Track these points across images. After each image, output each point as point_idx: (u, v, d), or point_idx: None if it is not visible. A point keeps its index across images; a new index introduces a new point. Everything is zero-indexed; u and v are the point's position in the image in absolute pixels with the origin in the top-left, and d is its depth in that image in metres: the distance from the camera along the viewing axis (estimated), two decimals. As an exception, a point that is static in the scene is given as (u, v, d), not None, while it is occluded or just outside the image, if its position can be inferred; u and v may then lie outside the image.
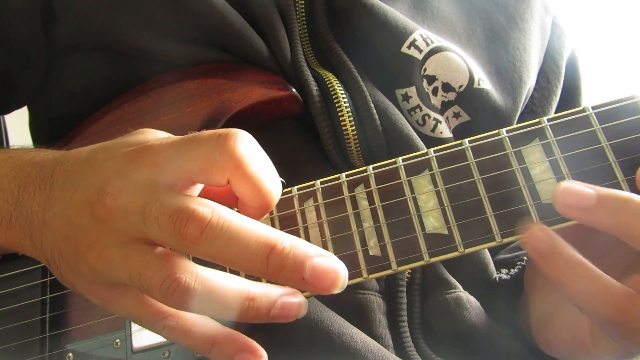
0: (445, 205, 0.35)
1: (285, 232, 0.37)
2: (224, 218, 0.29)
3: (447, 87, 0.50)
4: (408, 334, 0.47)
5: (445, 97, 0.50)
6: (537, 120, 0.35)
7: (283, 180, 0.34)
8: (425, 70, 0.50)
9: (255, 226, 0.30)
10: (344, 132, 0.47)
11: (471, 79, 0.50)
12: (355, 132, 0.47)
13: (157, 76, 0.50)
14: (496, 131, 0.36)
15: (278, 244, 0.29)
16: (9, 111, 0.61)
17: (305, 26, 0.51)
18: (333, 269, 0.30)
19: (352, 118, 0.47)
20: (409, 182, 0.36)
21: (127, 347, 0.40)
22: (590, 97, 0.63)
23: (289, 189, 0.39)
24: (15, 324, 0.43)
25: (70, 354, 0.42)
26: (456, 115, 0.51)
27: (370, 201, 0.37)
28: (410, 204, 0.36)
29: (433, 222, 0.35)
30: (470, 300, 0.48)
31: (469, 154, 0.36)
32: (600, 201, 0.30)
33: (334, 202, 0.37)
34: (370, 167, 0.38)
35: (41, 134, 0.59)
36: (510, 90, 0.54)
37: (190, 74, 0.48)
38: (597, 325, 0.35)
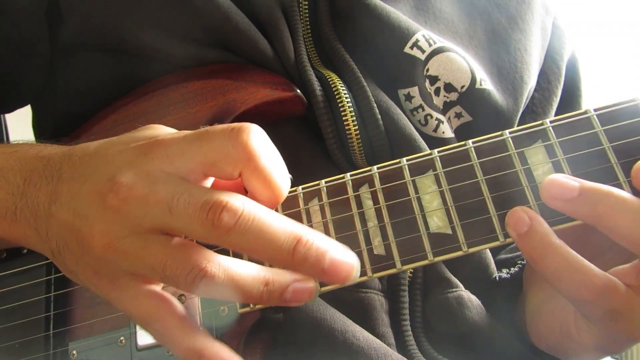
0: (449, 205, 0.36)
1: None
2: (254, 211, 0.31)
3: (449, 88, 0.51)
4: (410, 332, 0.47)
5: (448, 97, 0.51)
6: (539, 122, 0.36)
7: (291, 176, 0.35)
8: (427, 70, 0.50)
9: (283, 220, 0.32)
10: (347, 132, 0.47)
11: (473, 80, 0.51)
12: (358, 131, 0.48)
13: (161, 76, 0.50)
14: (499, 132, 0.36)
15: (303, 237, 0.31)
16: (12, 110, 0.61)
17: (308, 27, 0.52)
18: (349, 261, 0.32)
19: (354, 117, 0.48)
20: (413, 182, 0.37)
21: (131, 345, 0.40)
22: (591, 98, 0.64)
23: (294, 188, 0.39)
24: (20, 321, 0.43)
25: (74, 352, 0.42)
26: (458, 115, 0.52)
27: (375, 201, 0.37)
28: (415, 204, 0.36)
29: (437, 221, 0.36)
30: (471, 299, 0.48)
31: (473, 154, 0.36)
32: (581, 193, 0.32)
33: (339, 201, 0.38)
34: (375, 167, 0.38)
35: (44, 132, 0.59)
36: (511, 90, 0.54)
37: (194, 75, 0.49)
38: (572, 304, 0.36)
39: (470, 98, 0.51)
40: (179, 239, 0.32)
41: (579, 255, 0.33)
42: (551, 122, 0.36)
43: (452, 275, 0.48)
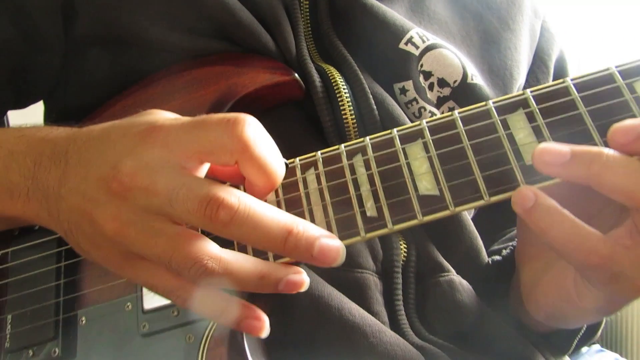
0: (437, 169, 0.38)
1: (288, 198, 0.40)
2: (249, 206, 0.34)
3: (442, 83, 0.54)
4: (403, 311, 0.49)
5: (441, 92, 0.54)
6: (521, 92, 0.38)
7: (286, 162, 0.37)
8: (422, 66, 0.53)
9: (275, 212, 0.35)
10: (344, 122, 0.50)
11: (465, 74, 0.54)
12: (355, 121, 0.50)
13: (169, 66, 0.53)
14: (483, 102, 0.39)
15: (294, 228, 0.34)
16: (26, 105, 0.64)
17: (309, 24, 0.55)
18: (335, 247, 0.35)
19: (352, 108, 0.50)
20: (403, 149, 0.39)
21: (137, 309, 0.42)
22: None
23: (292, 159, 0.41)
24: (32, 289, 0.45)
25: (83, 318, 0.44)
26: (451, 110, 0.54)
27: (367, 168, 0.39)
28: (405, 169, 0.39)
29: (426, 184, 0.38)
30: (462, 283, 0.50)
31: (459, 123, 0.39)
32: (574, 156, 0.33)
33: (334, 169, 0.40)
34: (367, 137, 0.40)
35: (53, 119, 0.62)
36: (501, 85, 0.57)
37: (199, 63, 0.52)
38: (579, 270, 0.37)
39: (462, 92, 0.54)
40: (183, 230, 0.35)
41: (584, 224, 0.34)
42: (531, 91, 0.38)
43: (444, 260, 0.51)
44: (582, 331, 0.51)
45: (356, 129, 0.50)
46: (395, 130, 0.40)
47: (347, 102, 0.50)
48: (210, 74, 0.50)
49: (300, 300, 0.45)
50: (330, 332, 0.45)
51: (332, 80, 0.51)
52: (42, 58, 0.57)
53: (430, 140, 0.39)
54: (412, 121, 0.52)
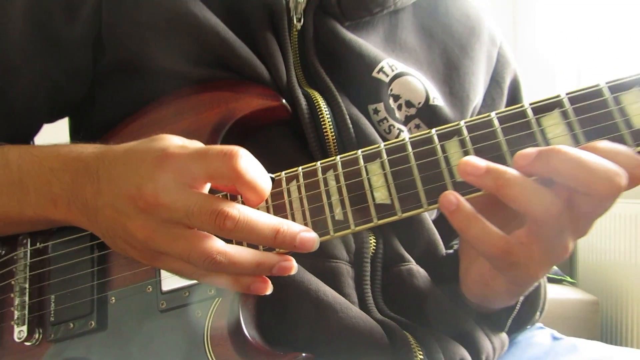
0: (390, 183, 0.49)
1: (275, 204, 0.51)
2: (247, 215, 0.45)
3: (409, 104, 0.64)
4: (370, 294, 0.60)
5: (408, 112, 0.65)
6: (456, 123, 0.49)
7: (272, 176, 0.48)
8: (391, 90, 0.64)
9: (266, 218, 0.46)
10: (326, 138, 0.61)
11: (427, 97, 0.65)
12: (334, 137, 0.61)
13: (178, 90, 0.63)
14: (427, 130, 0.49)
15: (280, 227, 0.46)
16: (54, 121, 0.73)
17: (297, 53, 0.65)
18: (312, 238, 0.46)
19: (332, 127, 0.61)
20: (365, 167, 0.50)
21: (157, 290, 0.53)
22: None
23: (278, 173, 0.52)
24: (71, 275, 0.56)
25: (113, 298, 0.55)
26: (417, 126, 0.65)
27: (337, 181, 0.50)
28: (365, 183, 0.49)
29: (381, 195, 0.49)
30: (420, 271, 0.62)
31: (408, 146, 0.49)
32: (487, 170, 0.44)
33: (311, 182, 0.51)
34: (338, 157, 0.51)
35: (79, 138, 0.72)
36: (459, 106, 0.68)
37: (204, 88, 0.62)
38: (488, 261, 0.49)
39: (425, 112, 0.65)
40: (196, 232, 0.46)
41: (491, 225, 0.45)
42: (465, 122, 0.49)
43: (406, 252, 0.62)
44: (514, 313, 0.63)
45: (335, 144, 0.61)
46: (360, 151, 0.51)
47: (328, 122, 0.61)
48: (213, 98, 0.61)
49: (287, 284, 0.56)
50: (308, 309, 0.56)
51: (316, 103, 0.61)
52: (73, 85, 0.67)
53: (386, 160, 0.50)
54: (382, 137, 0.63)
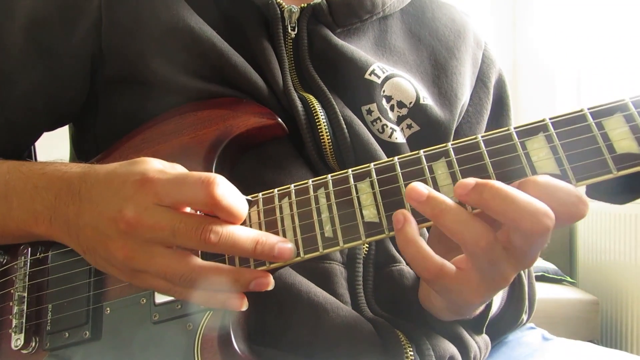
0: (379, 202, 0.50)
1: (267, 221, 0.52)
2: (229, 230, 0.48)
3: (400, 104, 0.67)
4: (362, 293, 0.62)
5: (400, 112, 0.67)
6: (444, 144, 0.50)
7: (249, 198, 0.51)
8: (384, 91, 0.67)
9: (247, 232, 0.49)
10: (321, 139, 0.63)
11: (417, 97, 0.68)
12: (330, 139, 0.63)
13: (178, 106, 0.65)
14: (416, 151, 0.51)
15: (260, 239, 0.49)
16: (54, 129, 0.75)
17: (292, 60, 0.68)
18: (289, 248, 0.49)
19: (327, 128, 0.64)
20: (355, 186, 0.51)
21: (150, 302, 0.55)
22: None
23: (271, 190, 0.54)
24: (68, 285, 0.58)
25: (108, 309, 0.56)
26: (409, 126, 0.68)
27: (328, 199, 0.52)
28: (355, 201, 0.51)
29: (369, 214, 0.50)
30: (410, 272, 0.64)
31: (397, 166, 0.51)
32: (428, 198, 0.45)
33: (303, 199, 0.52)
34: (329, 175, 0.53)
35: (83, 144, 0.75)
36: (448, 105, 0.71)
37: (203, 106, 0.64)
38: (428, 284, 0.51)
39: (416, 111, 0.68)
40: (173, 252, 0.48)
41: (427, 247, 0.46)
42: (452, 144, 0.50)
43: (397, 253, 0.64)
44: (487, 320, 0.65)
45: (331, 145, 0.63)
46: (350, 170, 0.52)
47: (323, 123, 0.63)
48: (211, 116, 0.63)
49: (277, 287, 0.57)
50: (301, 310, 0.58)
51: (312, 106, 0.64)
52: (69, 95, 0.69)
53: (376, 180, 0.51)
54: (375, 136, 0.65)
